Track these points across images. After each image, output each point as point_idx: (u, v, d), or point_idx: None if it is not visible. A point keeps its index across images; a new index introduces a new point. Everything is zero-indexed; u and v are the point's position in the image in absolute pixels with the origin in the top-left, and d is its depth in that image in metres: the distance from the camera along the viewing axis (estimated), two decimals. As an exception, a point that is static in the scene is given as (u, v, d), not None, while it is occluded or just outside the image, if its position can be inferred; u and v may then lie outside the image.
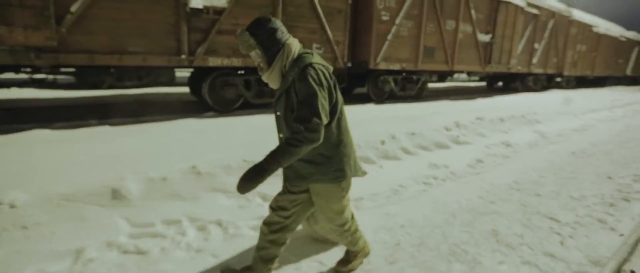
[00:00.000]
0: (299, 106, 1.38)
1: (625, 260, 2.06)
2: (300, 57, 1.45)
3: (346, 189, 1.58)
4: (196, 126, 4.33)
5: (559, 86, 15.15)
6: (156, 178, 2.26)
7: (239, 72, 5.67)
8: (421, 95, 8.97)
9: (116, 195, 2.07)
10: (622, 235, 2.38)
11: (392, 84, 7.96)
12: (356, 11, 6.71)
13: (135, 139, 3.52)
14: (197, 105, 6.36)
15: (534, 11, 10.78)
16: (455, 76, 12.40)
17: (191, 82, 6.84)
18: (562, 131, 5.60)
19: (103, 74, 7.73)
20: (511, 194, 2.98)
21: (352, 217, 1.72)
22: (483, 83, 15.14)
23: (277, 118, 1.52)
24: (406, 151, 3.58)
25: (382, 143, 3.48)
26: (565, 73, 14.19)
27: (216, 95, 5.56)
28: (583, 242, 2.28)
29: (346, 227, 1.66)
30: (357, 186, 2.77)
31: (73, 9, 3.96)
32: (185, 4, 4.60)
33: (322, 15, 5.96)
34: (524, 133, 5.11)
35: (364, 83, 7.80)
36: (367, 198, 2.62)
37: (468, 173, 3.40)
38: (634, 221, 2.58)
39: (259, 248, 1.59)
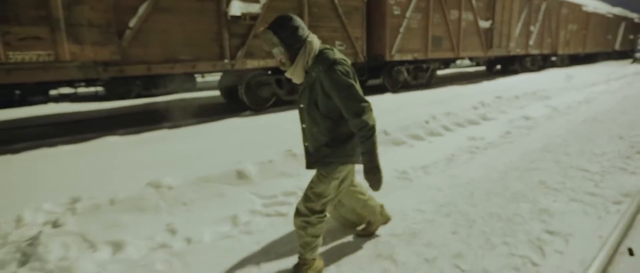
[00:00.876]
0: (344, 101, 1.46)
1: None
2: (321, 53, 1.52)
3: (339, 177, 1.62)
4: (247, 124, 4.80)
5: (554, 65, 15.87)
6: (265, 161, 2.74)
7: (268, 72, 6.14)
8: (431, 82, 9.53)
9: (241, 175, 2.56)
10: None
11: (405, 74, 8.50)
12: (370, 8, 7.21)
13: (204, 138, 4.00)
14: (228, 106, 6.83)
15: (529, -5, 11.42)
16: (458, 62, 13.01)
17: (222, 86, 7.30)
18: (570, 104, 6.19)
19: (131, 84, 8.14)
20: (544, 155, 3.53)
21: (321, 220, 1.64)
22: (482, 68, 15.78)
23: (301, 110, 1.63)
24: (446, 128, 4.12)
25: (427, 122, 4.01)
26: (560, 52, 14.92)
27: (252, 95, 6.03)
28: (612, 183, 2.83)
29: (312, 219, 1.60)
30: (418, 157, 3.30)
31: (131, 24, 4.39)
32: (226, 13, 5.06)
33: (342, 14, 6.46)
34: (538, 108, 5.68)
35: (377, 75, 8.32)
36: (430, 165, 3.14)
37: (502, 142, 3.95)
38: (651, 166, 3.15)
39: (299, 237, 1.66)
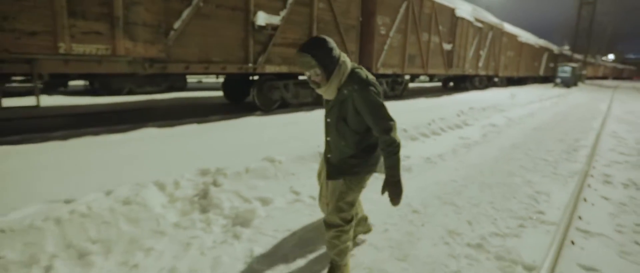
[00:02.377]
0: (374, 119, 1.59)
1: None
2: (353, 72, 1.63)
3: (365, 185, 1.77)
4: (271, 121, 5.50)
5: (495, 85, 18.64)
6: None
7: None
8: (403, 94, 10.95)
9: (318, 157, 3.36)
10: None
11: (386, 85, 9.78)
12: (363, 26, 8.34)
13: (235, 132, 4.65)
14: (230, 106, 7.40)
15: (479, 25, 13.62)
16: (421, 78, 14.80)
17: (226, 87, 7.85)
18: (520, 116, 7.89)
19: (124, 81, 8.26)
20: (515, 150, 4.84)
21: (352, 226, 1.77)
22: (438, 84, 17.94)
23: (327, 124, 1.73)
24: (443, 130, 5.30)
25: (429, 124, 5.15)
26: (500, 74, 17.65)
27: (263, 97, 6.71)
28: (564, 167, 4.16)
29: (346, 227, 1.72)
30: (431, 149, 4.35)
31: (176, 26, 4.91)
32: (253, 23, 5.76)
33: (342, 30, 7.47)
34: (499, 118, 7.22)
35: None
36: (443, 155, 4.23)
37: (484, 141, 5.23)
38: (584, 158, 4.59)
39: (329, 247, 1.77)
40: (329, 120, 1.72)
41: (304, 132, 4.55)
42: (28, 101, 4.51)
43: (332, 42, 1.61)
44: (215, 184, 2.56)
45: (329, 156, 1.78)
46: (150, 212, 2.18)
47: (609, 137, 6.28)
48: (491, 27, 14.94)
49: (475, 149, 4.69)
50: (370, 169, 1.75)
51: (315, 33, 6.87)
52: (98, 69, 4.39)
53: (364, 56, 8.64)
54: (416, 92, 13.07)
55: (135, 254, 1.88)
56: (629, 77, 62.49)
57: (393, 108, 7.25)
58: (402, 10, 9.07)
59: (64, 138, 4.03)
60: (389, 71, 9.42)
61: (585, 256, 2.19)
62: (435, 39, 11.03)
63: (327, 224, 1.74)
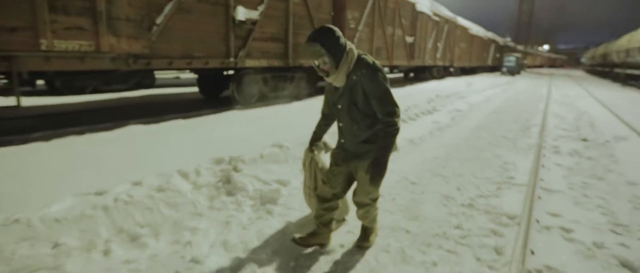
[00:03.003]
0: (380, 103, 1.67)
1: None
2: (360, 58, 1.71)
3: None
4: (255, 114, 5.67)
5: (451, 74, 20.03)
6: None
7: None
8: (371, 86, 11.52)
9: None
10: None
11: (354, 77, 10.26)
12: (335, 20, 8.68)
13: (225, 125, 4.81)
14: (207, 102, 7.41)
15: (437, 19, 14.60)
16: (384, 69, 15.54)
17: (201, 82, 7.81)
18: (478, 102, 8.76)
19: (88, 79, 7.87)
20: (480, 131, 5.50)
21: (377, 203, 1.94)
22: (400, 74, 18.89)
23: (339, 111, 1.81)
24: (417, 115, 5.85)
25: (406, 111, 5.65)
26: (455, 65, 19.01)
27: (243, 91, 6.82)
28: (523, 142, 4.86)
29: (376, 204, 1.92)
30: (411, 131, 4.83)
31: (158, 21, 4.89)
32: (233, 17, 5.86)
33: (315, 24, 7.75)
34: (462, 104, 7.99)
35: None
36: (422, 136, 4.73)
37: (453, 124, 5.86)
38: (536, 134, 5.37)
39: (317, 216, 1.96)
40: (340, 107, 1.79)
41: (296, 122, 4.82)
42: (7, 101, 4.28)
43: (338, 31, 1.69)
44: (236, 170, 2.76)
45: (342, 141, 1.87)
46: (185, 197, 2.36)
47: (552, 117, 7.27)
48: (447, 20, 16.05)
49: (448, 131, 5.28)
50: None
51: (291, 28, 7.09)
52: (80, 66, 4.29)
53: (336, 49, 9.00)
54: (382, 84, 13.74)
55: (183, 233, 2.07)
56: (561, 66, 69.64)
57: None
58: (369, 4, 9.55)
59: (46, 138, 3.92)
60: (359, 64, 9.89)
61: (550, 206, 2.75)
62: (398, 32, 11.70)
63: (358, 204, 1.93)
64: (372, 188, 1.84)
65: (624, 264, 2.03)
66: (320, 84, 10.50)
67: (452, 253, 2.05)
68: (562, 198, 2.96)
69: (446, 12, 16.03)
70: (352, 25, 9.16)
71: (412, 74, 17.65)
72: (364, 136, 1.79)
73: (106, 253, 1.85)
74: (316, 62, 1.71)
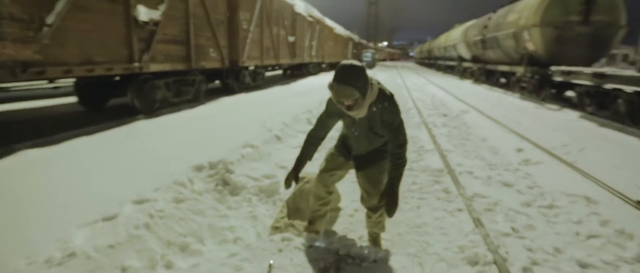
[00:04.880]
0: (395, 134, 1.82)
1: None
2: (380, 91, 1.82)
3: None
4: (168, 123, 5.51)
5: (322, 70, 22.28)
6: (268, 137, 4.33)
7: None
8: (261, 84, 11.99)
9: (278, 138, 4.08)
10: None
11: (248, 76, 10.54)
12: (230, 22, 8.76)
13: (165, 135, 4.68)
14: (89, 115, 6.49)
15: (311, 19, 16.11)
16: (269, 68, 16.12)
17: (82, 91, 6.70)
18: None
19: None
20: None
21: None
22: (279, 72, 19.85)
23: (354, 136, 1.97)
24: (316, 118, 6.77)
25: (320, 104, 6.48)
26: (326, 61, 21.27)
27: (145, 98, 6.31)
28: (412, 121, 6.39)
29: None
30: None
31: (49, 20, 4.19)
32: (135, 18, 5.41)
33: (213, 25, 7.74)
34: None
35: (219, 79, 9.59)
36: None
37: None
38: (417, 114, 7.07)
39: (314, 211, 2.21)
40: (356, 133, 1.94)
41: (224, 126, 4.98)
42: None
43: (362, 67, 1.73)
44: (229, 172, 2.97)
45: (353, 152, 2.05)
46: (204, 203, 2.50)
47: (416, 100, 9.47)
48: (318, 21, 17.83)
49: (358, 119, 6.40)
50: (386, 156, 1.96)
51: (192, 29, 6.91)
52: (-50, 79, 3.37)
53: (233, 50, 9.10)
54: (268, 82, 14.35)
55: (224, 233, 2.28)
56: (398, 59, 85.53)
57: (275, 94, 8.25)
58: (258, 6, 9.97)
59: None
60: (252, 63, 10.24)
61: (453, 160, 4.03)
62: (282, 32, 12.51)
63: (372, 209, 2.04)
64: (382, 184, 1.97)
65: (505, 184, 3.36)
66: (212, 86, 10.32)
67: (423, 199, 2.95)
68: (455, 154, 4.33)
69: (317, 13, 17.79)
70: (245, 26, 9.42)
71: (289, 72, 18.90)
72: (378, 145, 1.99)
73: (169, 266, 1.93)
74: (343, 100, 1.71)
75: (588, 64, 8.70)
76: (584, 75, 7.01)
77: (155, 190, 2.53)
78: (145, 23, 5.62)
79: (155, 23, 5.88)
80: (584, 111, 7.44)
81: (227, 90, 9.51)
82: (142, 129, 4.91)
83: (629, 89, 5.93)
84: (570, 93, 9.00)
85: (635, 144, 5.16)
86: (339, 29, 24.38)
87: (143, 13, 5.53)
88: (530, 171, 3.74)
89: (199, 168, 3.05)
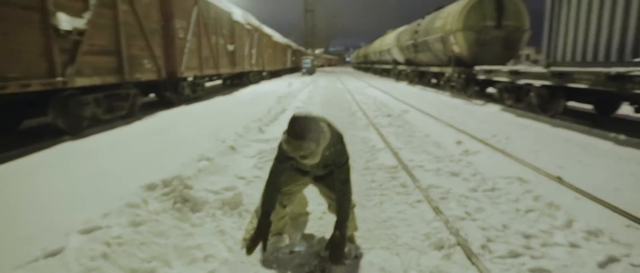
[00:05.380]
0: (340, 170, 1.90)
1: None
2: (330, 132, 1.82)
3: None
4: (99, 145, 5.05)
5: (263, 78, 22.08)
6: (222, 148, 4.20)
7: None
8: (202, 96, 11.50)
9: (232, 149, 3.95)
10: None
11: (187, 88, 10.04)
12: (166, 31, 8.26)
13: (114, 152, 4.28)
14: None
15: (249, 27, 15.91)
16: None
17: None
18: (308, 97, 10.60)
19: None
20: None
21: None
22: (218, 82, 19.19)
23: (312, 181, 2.10)
24: (278, 114, 6.74)
25: (268, 112, 6.43)
26: (266, 69, 21.14)
27: (71, 116, 5.66)
28: (360, 123, 6.66)
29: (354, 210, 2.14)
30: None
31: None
32: (55, 26, 4.84)
33: (147, 34, 7.25)
34: (297, 102, 9.50)
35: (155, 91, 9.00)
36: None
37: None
38: (362, 116, 7.39)
39: (275, 227, 2.16)
40: (318, 175, 2.05)
41: (172, 140, 4.71)
42: None
43: (315, 116, 1.74)
44: (187, 187, 2.81)
45: (307, 171, 2.08)
46: (164, 223, 2.33)
47: (361, 103, 9.88)
48: (256, 29, 17.67)
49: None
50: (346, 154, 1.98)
51: (124, 39, 6.39)
52: None
53: (170, 60, 8.60)
54: (208, 92, 13.80)
55: (192, 252, 2.15)
56: (335, 64, 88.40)
57: (219, 105, 7.98)
58: (194, 14, 9.59)
59: None
60: (191, 74, 9.78)
61: (404, 156, 4.28)
62: (221, 41, 12.17)
63: (350, 208, 2.04)
64: (350, 187, 1.98)
65: (452, 174, 3.67)
66: (147, 99, 9.61)
67: (384, 195, 3.10)
68: (405, 151, 4.62)
69: (255, 21, 17.63)
70: (181, 35, 8.99)
71: (228, 81, 18.40)
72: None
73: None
74: (296, 155, 1.68)
75: (503, 63, 9.91)
76: (502, 73, 7.97)
77: (105, 216, 2.30)
78: (68, 32, 5.07)
79: (80, 32, 5.33)
80: (504, 104, 8.45)
81: (164, 103, 8.93)
82: (72, 151, 4.41)
83: (538, 83, 6.89)
84: (491, 89, 10.15)
85: (546, 129, 6.01)
86: (277, 37, 24.43)
87: (64, 21, 4.99)
88: (471, 160, 4.14)
89: (151, 187, 2.83)
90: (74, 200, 2.68)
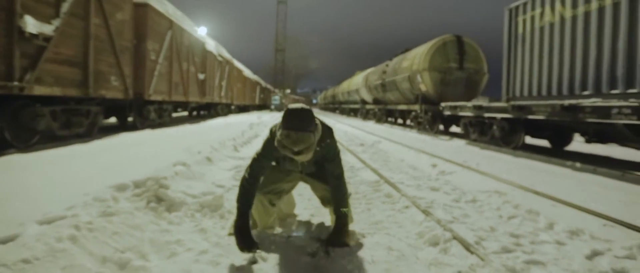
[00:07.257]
0: (334, 165, 1.94)
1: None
2: (322, 126, 1.83)
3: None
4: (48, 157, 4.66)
5: (231, 111, 21.88)
6: (199, 158, 4.03)
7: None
8: (168, 122, 11.10)
9: (209, 160, 3.78)
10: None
11: (153, 112, 9.67)
12: (137, 50, 8.07)
13: (87, 159, 3.93)
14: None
15: (221, 59, 16.01)
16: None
17: None
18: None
19: None
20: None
21: None
22: (185, 113, 18.71)
23: (303, 177, 2.14)
24: (251, 138, 6.62)
25: (242, 134, 6.30)
26: (235, 103, 21.04)
27: (21, 128, 5.20)
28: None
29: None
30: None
31: None
32: (20, 28, 4.58)
33: (118, 51, 7.04)
34: (267, 130, 9.45)
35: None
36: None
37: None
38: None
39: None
40: (309, 172, 2.08)
41: (139, 154, 4.43)
42: None
43: (309, 109, 1.72)
44: (163, 186, 2.60)
45: (302, 170, 2.09)
46: (140, 218, 2.12)
47: (341, 133, 10.01)
48: (227, 61, 17.80)
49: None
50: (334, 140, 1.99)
51: (92, 52, 6.15)
52: None
53: (138, 81, 8.33)
54: (174, 121, 13.36)
55: (171, 247, 1.94)
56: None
57: (189, 130, 7.72)
58: (167, 38, 9.53)
59: None
60: (159, 98, 9.49)
61: (385, 174, 4.33)
62: (192, 68, 12.08)
63: (348, 196, 2.07)
64: (342, 172, 2.02)
65: (433, 189, 3.74)
66: (107, 122, 9.10)
67: (370, 204, 3.06)
68: (383, 171, 4.68)
69: (227, 54, 17.81)
70: (153, 57, 8.84)
71: (195, 112, 18.00)
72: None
73: (108, 286, 1.55)
74: (296, 149, 1.60)
75: (466, 101, 10.67)
76: (467, 108, 8.54)
77: (70, 208, 2.05)
78: (34, 36, 4.80)
79: (47, 39, 5.07)
80: (469, 139, 8.96)
81: (126, 128, 8.46)
82: (22, 162, 3.97)
83: (500, 116, 7.45)
84: (455, 128, 10.77)
85: (510, 159, 6.41)
86: (247, 73, 24.73)
87: (31, 25, 4.74)
88: (449, 179, 4.27)
89: (121, 188, 2.60)
90: (28, 200, 2.37)
